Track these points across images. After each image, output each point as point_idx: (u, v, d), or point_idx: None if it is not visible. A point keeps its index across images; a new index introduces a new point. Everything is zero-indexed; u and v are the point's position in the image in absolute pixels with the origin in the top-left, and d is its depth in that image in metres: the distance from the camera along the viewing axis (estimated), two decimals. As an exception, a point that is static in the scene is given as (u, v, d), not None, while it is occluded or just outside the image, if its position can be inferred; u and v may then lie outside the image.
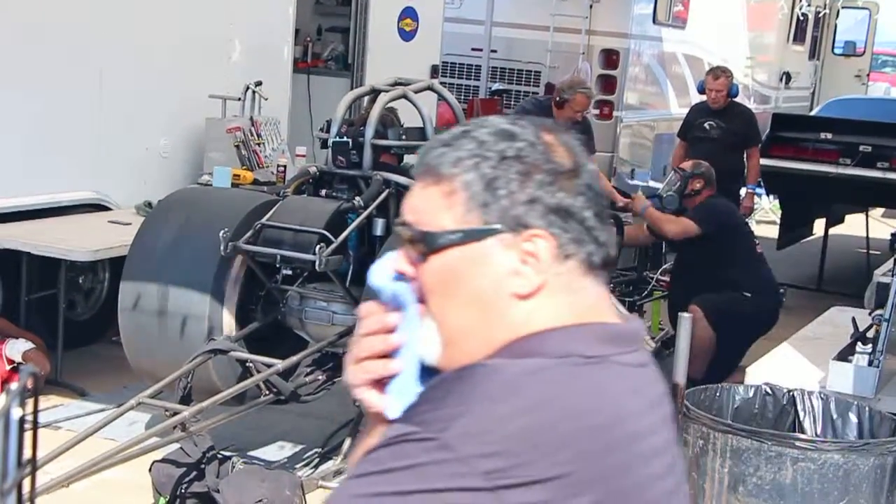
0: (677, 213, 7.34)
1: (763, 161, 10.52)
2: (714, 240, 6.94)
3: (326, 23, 10.27)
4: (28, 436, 1.41)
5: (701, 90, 9.82)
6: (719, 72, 9.63)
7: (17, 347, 6.07)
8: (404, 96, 5.77)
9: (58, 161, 6.66)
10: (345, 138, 5.54)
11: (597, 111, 11.72)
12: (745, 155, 9.65)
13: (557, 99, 8.01)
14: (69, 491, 4.35)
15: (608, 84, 11.84)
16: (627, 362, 1.49)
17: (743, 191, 9.90)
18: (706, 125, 9.52)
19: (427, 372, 1.49)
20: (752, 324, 6.77)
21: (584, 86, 8.34)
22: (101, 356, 6.80)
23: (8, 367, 6.05)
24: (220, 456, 4.79)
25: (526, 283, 1.46)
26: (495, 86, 11.86)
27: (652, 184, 11.41)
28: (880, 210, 14.06)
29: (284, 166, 7.56)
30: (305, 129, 8.71)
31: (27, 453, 1.42)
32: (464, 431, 1.36)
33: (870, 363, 5.18)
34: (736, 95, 9.66)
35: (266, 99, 7.94)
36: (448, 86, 10.67)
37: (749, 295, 6.92)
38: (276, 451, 5.63)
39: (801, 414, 5.01)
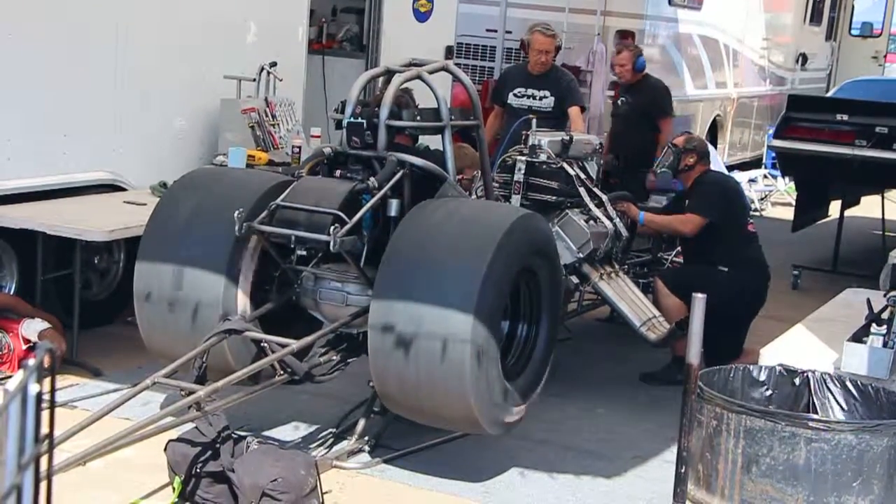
0: (676, 204, 7.31)
1: (778, 143, 10.50)
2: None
3: (341, 4, 10.27)
4: (45, 412, 1.42)
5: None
6: (622, 46, 9.45)
7: (34, 327, 6.11)
8: (419, 77, 5.77)
9: (73, 142, 6.67)
10: (359, 119, 5.53)
11: (610, 92, 11.70)
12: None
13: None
14: (85, 469, 4.37)
15: (623, 65, 11.79)
16: None
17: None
18: (619, 101, 9.37)
19: None
20: (733, 299, 6.67)
21: (542, 26, 8.32)
22: (116, 336, 6.83)
23: (24, 347, 6.09)
24: (234, 436, 4.80)
25: None
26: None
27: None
28: (896, 192, 14.03)
29: (299, 147, 7.56)
30: (320, 110, 8.72)
31: (44, 430, 1.42)
32: None
33: (884, 344, 5.18)
34: (642, 69, 9.30)
35: (281, 80, 7.94)
36: (463, 67, 10.69)
37: (726, 269, 6.87)
38: (291, 431, 5.65)
39: (816, 395, 5.02)
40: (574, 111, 8.15)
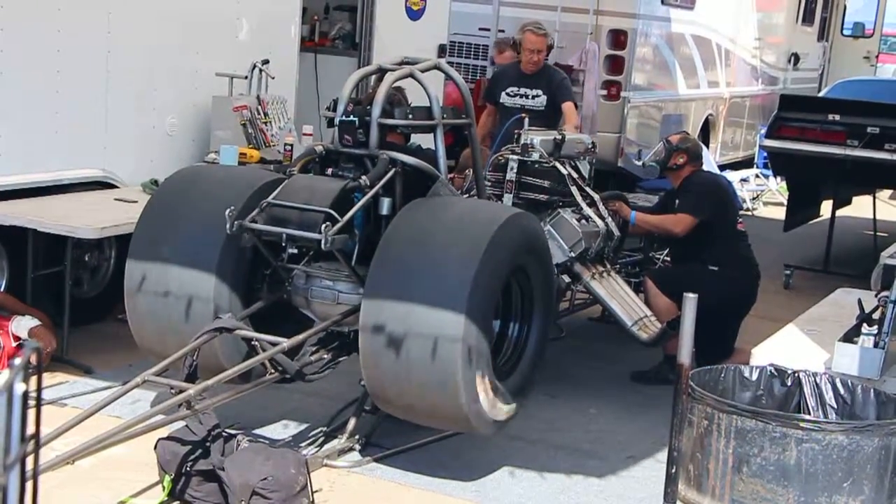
0: (666, 203, 7.30)
1: (770, 142, 10.51)
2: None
3: (334, 1, 10.25)
4: (32, 411, 1.40)
5: None
6: (504, 45, 9.49)
7: (24, 324, 6.09)
8: (411, 75, 5.76)
9: (64, 138, 6.65)
10: (351, 117, 5.52)
11: (604, 92, 11.71)
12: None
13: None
14: (74, 467, 4.37)
15: (616, 64, 11.82)
16: None
17: None
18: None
19: None
20: (723, 298, 6.63)
21: (534, 24, 8.32)
22: (107, 334, 6.82)
23: (14, 344, 6.07)
24: (225, 434, 4.80)
25: None
26: None
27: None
28: (888, 192, 14.04)
29: (291, 145, 7.56)
30: (312, 108, 8.70)
31: (31, 429, 1.41)
32: None
33: (875, 345, 5.18)
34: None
35: (273, 77, 7.93)
36: (455, 65, 10.67)
37: (716, 269, 6.86)
38: (281, 430, 5.64)
39: (807, 395, 5.02)
40: (567, 106, 8.15)
